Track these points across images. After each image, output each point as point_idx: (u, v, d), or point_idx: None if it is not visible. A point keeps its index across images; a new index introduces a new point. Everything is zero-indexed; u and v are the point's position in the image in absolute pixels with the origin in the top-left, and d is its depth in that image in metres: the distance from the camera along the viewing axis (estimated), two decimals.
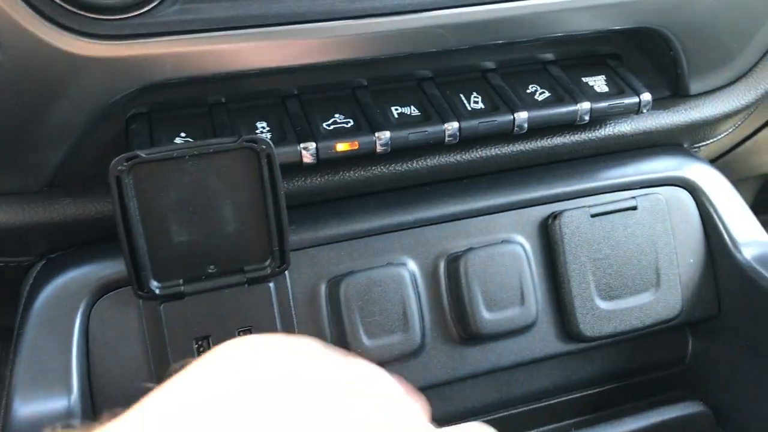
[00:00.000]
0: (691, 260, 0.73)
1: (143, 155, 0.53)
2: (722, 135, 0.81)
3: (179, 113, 0.61)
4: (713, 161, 0.89)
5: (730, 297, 0.73)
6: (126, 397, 0.58)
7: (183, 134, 0.60)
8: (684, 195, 0.74)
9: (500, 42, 0.63)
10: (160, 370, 0.59)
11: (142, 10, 0.52)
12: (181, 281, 0.58)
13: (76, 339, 0.59)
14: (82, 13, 0.51)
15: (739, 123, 0.82)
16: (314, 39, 0.57)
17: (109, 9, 0.52)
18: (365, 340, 0.63)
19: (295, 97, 0.64)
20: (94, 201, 0.60)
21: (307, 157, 0.60)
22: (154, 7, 0.53)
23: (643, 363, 0.78)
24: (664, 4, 0.66)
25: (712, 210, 0.73)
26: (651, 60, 0.74)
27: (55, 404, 0.56)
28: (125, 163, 0.53)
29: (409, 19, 0.58)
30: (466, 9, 0.60)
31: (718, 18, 0.69)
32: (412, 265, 0.66)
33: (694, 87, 0.74)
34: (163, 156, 0.54)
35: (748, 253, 0.71)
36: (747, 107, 0.76)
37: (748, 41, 0.73)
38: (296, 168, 0.62)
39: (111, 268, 0.60)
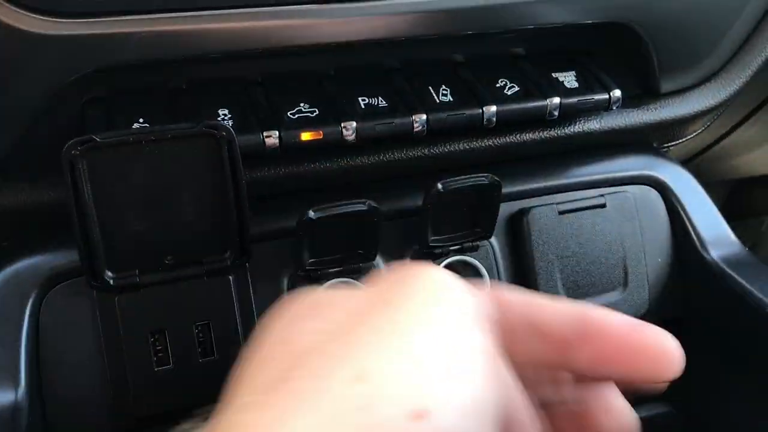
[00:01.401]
0: (659, 259, 0.72)
1: (98, 139, 0.51)
2: (691, 135, 0.81)
3: (138, 99, 0.59)
4: (683, 164, 0.89)
5: (697, 297, 0.73)
6: (76, 391, 0.57)
7: (141, 120, 0.58)
8: (653, 194, 0.73)
9: (469, 32, 0.62)
10: (113, 364, 0.57)
11: None
12: (136, 272, 0.56)
13: (25, 330, 0.56)
14: None
15: (708, 124, 0.82)
16: (281, 21, 0.55)
17: None
18: None
19: (260, 85, 0.62)
20: (47, 187, 0.58)
21: (271, 146, 0.58)
22: None
23: None
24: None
25: (680, 209, 0.73)
26: (622, 58, 0.73)
27: (2, 398, 0.54)
28: (79, 147, 0.51)
29: (377, 5, 0.57)
30: None
31: (689, 16, 0.69)
32: (379, 260, 0.65)
33: (665, 86, 0.74)
34: (119, 140, 0.52)
35: (715, 253, 0.71)
36: (716, 107, 0.76)
37: (719, 41, 0.73)
38: (260, 158, 0.60)
39: (64, 257, 0.58)
